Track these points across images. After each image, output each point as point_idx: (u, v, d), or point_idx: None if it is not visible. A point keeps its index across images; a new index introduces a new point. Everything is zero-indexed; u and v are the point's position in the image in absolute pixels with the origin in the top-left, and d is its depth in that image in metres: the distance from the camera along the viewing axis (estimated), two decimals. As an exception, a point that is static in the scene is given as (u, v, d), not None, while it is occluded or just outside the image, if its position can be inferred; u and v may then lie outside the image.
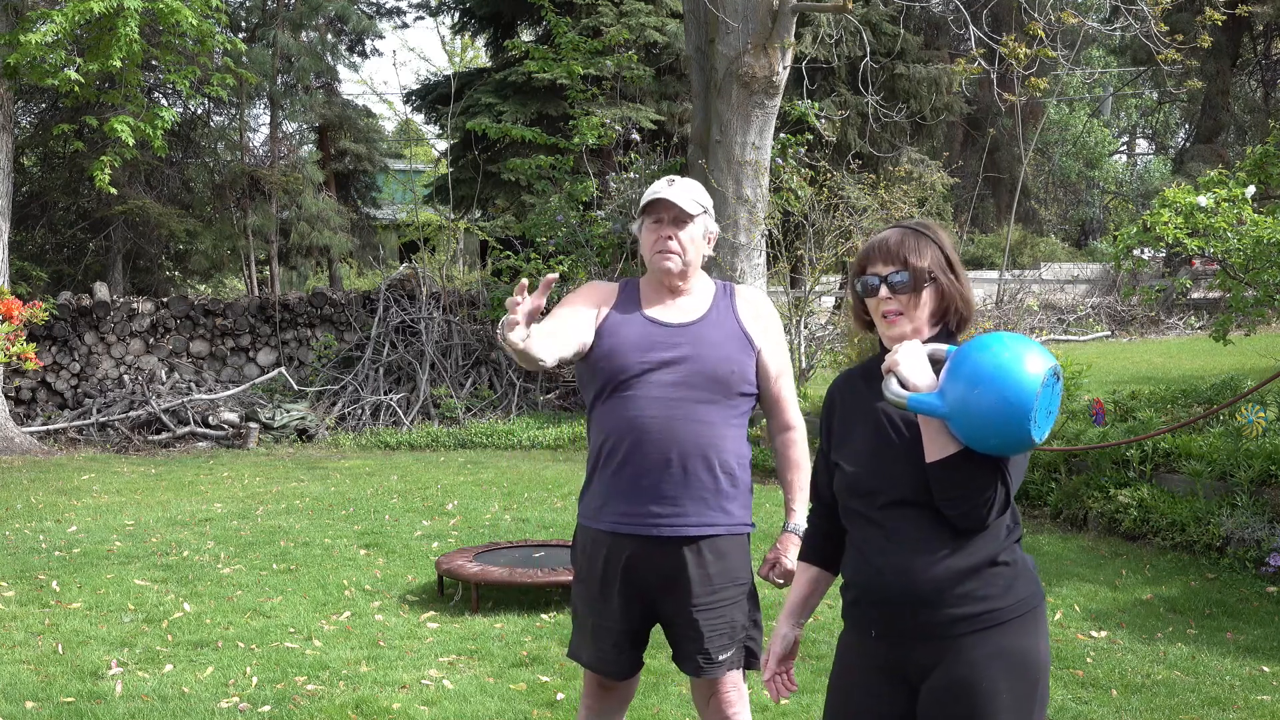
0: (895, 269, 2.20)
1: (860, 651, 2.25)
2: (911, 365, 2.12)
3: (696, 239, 2.87)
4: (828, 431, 2.36)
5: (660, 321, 2.85)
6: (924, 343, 2.19)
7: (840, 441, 2.30)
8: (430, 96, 18.36)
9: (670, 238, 2.84)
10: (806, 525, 2.51)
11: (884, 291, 2.21)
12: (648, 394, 2.76)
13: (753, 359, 2.85)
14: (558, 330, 2.77)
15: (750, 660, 2.87)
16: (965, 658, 2.10)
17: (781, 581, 2.87)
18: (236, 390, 12.61)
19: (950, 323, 2.26)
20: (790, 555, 2.85)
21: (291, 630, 5.16)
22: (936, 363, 2.15)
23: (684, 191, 2.85)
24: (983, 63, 11.08)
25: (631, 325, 2.84)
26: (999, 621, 2.11)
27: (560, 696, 4.26)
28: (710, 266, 9.98)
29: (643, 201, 2.88)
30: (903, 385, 2.11)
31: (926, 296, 2.21)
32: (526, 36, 17.40)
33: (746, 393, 2.85)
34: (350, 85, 61.36)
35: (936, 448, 2.10)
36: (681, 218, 2.85)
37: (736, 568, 2.81)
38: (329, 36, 18.90)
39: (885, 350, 2.24)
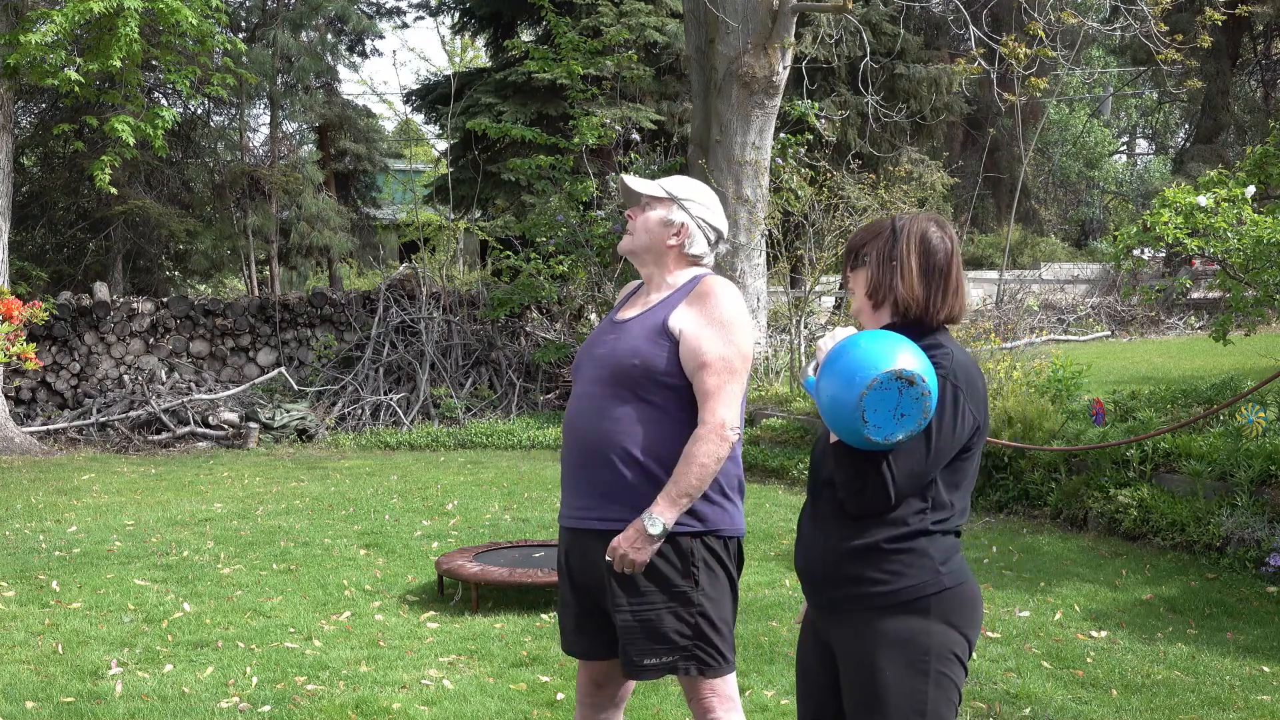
0: (850, 258, 2.43)
1: (808, 623, 2.48)
2: (827, 350, 2.27)
3: (651, 225, 2.88)
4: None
5: (614, 319, 2.92)
6: (885, 329, 2.31)
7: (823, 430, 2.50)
8: (430, 96, 18.37)
9: (631, 219, 2.94)
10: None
11: (848, 271, 2.44)
12: (580, 391, 2.84)
13: (665, 349, 2.71)
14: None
15: (704, 669, 2.71)
16: (857, 634, 2.26)
17: (617, 568, 2.68)
18: (236, 390, 12.61)
19: (903, 308, 2.33)
20: (627, 538, 2.65)
21: (291, 630, 5.16)
22: None
23: (632, 178, 2.94)
24: (983, 63, 11.09)
25: (598, 327, 2.96)
26: (883, 605, 2.23)
27: (560, 696, 4.26)
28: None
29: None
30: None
31: (860, 276, 2.39)
32: (526, 36, 17.40)
33: (665, 384, 2.70)
34: (350, 85, 61.40)
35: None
36: (632, 199, 2.94)
37: (665, 570, 2.67)
38: (329, 36, 18.91)
39: None
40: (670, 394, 2.72)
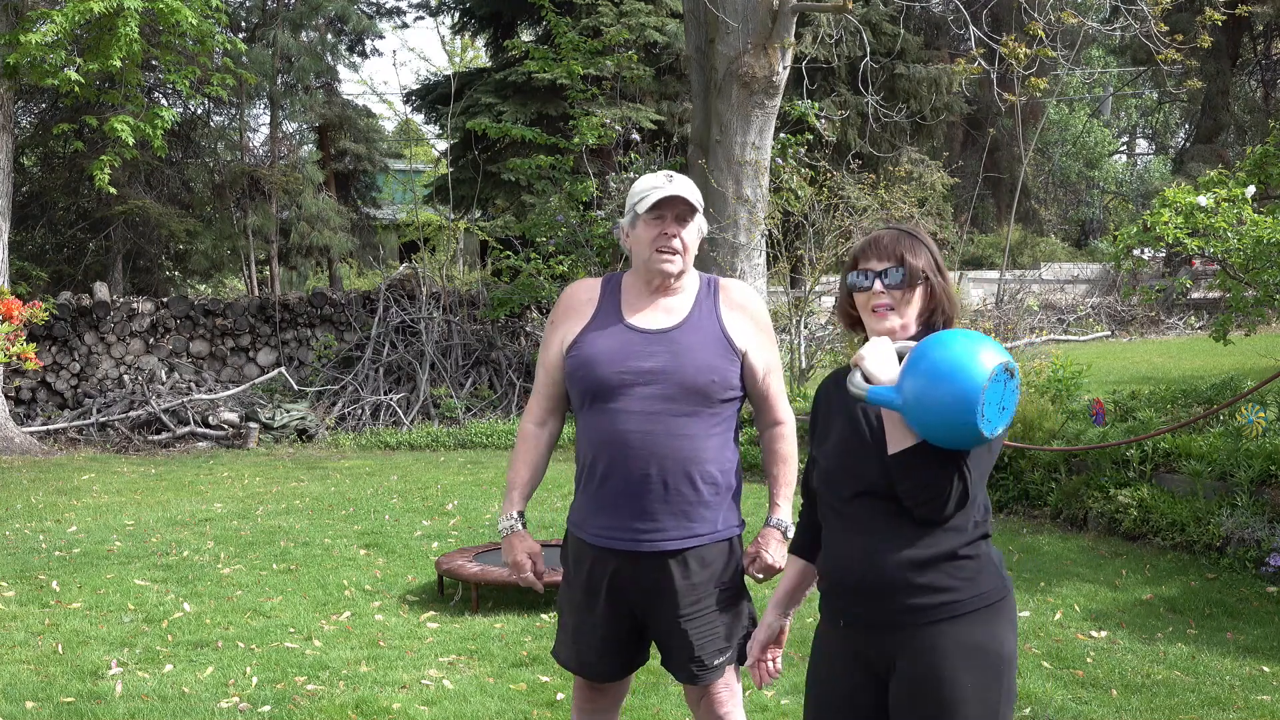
0: (891, 265, 2.27)
1: (833, 641, 2.31)
2: (876, 359, 2.18)
3: (694, 238, 2.79)
4: (813, 428, 2.43)
5: (638, 328, 2.76)
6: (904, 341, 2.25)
7: (821, 437, 2.38)
8: (430, 96, 18.37)
9: (674, 236, 2.74)
10: (798, 519, 2.53)
11: (878, 286, 2.26)
12: (627, 407, 2.69)
13: (737, 363, 2.76)
14: (557, 389, 2.86)
15: (739, 661, 2.82)
16: (926, 648, 2.15)
17: (761, 576, 2.81)
18: (236, 390, 12.61)
19: (937, 323, 2.31)
20: (771, 550, 2.78)
21: (291, 630, 5.16)
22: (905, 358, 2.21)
23: (686, 187, 2.76)
24: (983, 63, 11.08)
25: (609, 334, 2.76)
26: (958, 613, 2.15)
27: (560, 696, 4.26)
28: (710, 267, 9.98)
29: (644, 197, 2.74)
30: (867, 379, 2.17)
31: (918, 295, 2.28)
32: (526, 36, 17.40)
33: (730, 399, 2.76)
34: (350, 85, 61.41)
35: (897, 440, 2.15)
36: (685, 215, 2.75)
37: (722, 572, 2.76)
38: (329, 36, 18.92)
39: None
40: (732, 406, 2.78)
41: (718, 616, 2.75)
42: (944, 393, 2.04)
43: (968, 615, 2.15)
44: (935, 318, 2.31)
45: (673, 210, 2.74)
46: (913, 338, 2.27)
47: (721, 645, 2.76)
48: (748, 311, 2.82)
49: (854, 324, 2.37)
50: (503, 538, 2.95)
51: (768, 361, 2.81)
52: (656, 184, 2.75)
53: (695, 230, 2.79)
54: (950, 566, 2.16)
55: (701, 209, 2.81)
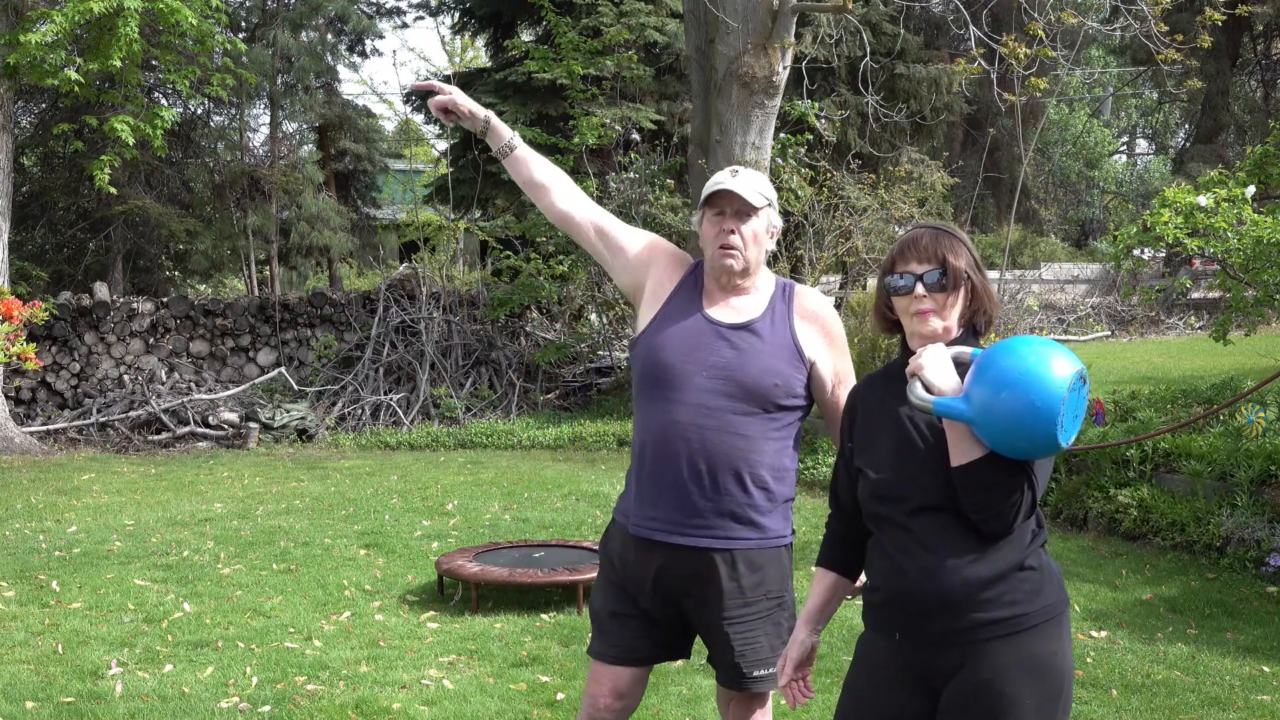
0: (932, 267, 2.20)
1: (882, 653, 2.23)
2: (936, 368, 2.10)
3: (760, 234, 2.71)
4: (849, 437, 2.34)
5: (713, 320, 2.71)
6: (948, 345, 2.18)
7: (863, 447, 2.28)
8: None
9: (733, 232, 2.68)
10: (825, 530, 2.46)
11: (919, 289, 2.19)
12: (686, 399, 2.64)
13: (803, 372, 2.70)
14: (602, 222, 2.86)
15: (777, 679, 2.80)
16: (990, 662, 2.09)
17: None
18: (236, 390, 12.61)
19: (978, 324, 2.26)
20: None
21: (291, 630, 5.16)
22: (960, 365, 2.14)
23: (748, 183, 2.69)
24: (983, 63, 11.07)
25: (685, 319, 2.71)
26: (1024, 627, 2.09)
27: (560, 696, 4.26)
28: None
29: (705, 192, 2.72)
30: (927, 389, 2.10)
31: (960, 296, 2.21)
32: (526, 36, 17.39)
33: (792, 405, 2.70)
34: (350, 85, 61.40)
35: (961, 452, 2.08)
36: (745, 210, 2.69)
37: (771, 580, 2.70)
38: (329, 36, 18.91)
39: (908, 352, 2.23)
40: (794, 414, 2.73)
41: (762, 625, 2.70)
42: (1021, 404, 1.97)
43: (1031, 629, 2.10)
44: (977, 319, 2.26)
45: (731, 205, 2.69)
46: (955, 340, 2.21)
47: (765, 657, 2.70)
48: (820, 321, 2.76)
49: (891, 327, 2.30)
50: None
51: (838, 371, 2.75)
52: (720, 179, 2.71)
53: (761, 226, 2.72)
54: (1015, 579, 2.10)
55: (767, 205, 2.72)
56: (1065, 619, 2.16)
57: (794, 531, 2.79)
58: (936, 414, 2.07)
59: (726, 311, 2.72)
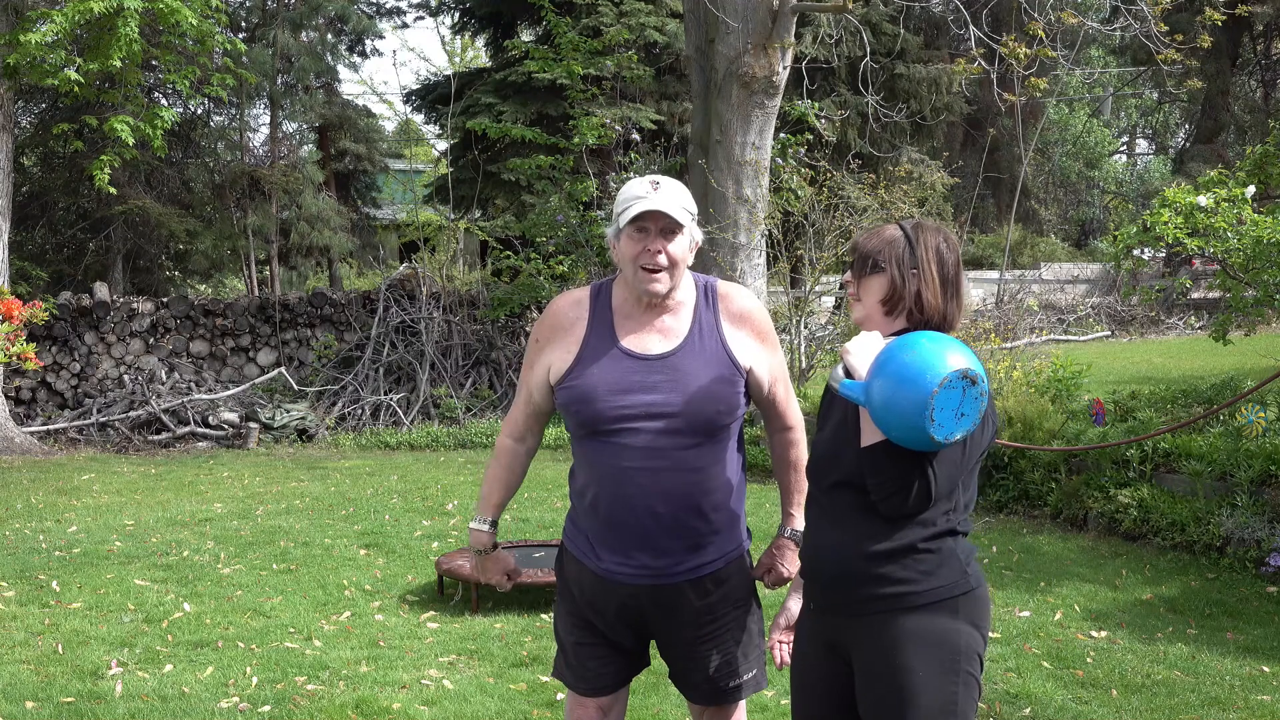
0: (852, 255, 2.36)
1: (808, 627, 2.42)
2: (860, 354, 2.23)
3: (684, 252, 2.55)
4: (819, 418, 2.48)
5: (636, 354, 2.55)
6: (890, 336, 2.28)
7: (820, 426, 2.43)
8: (430, 96, 18.35)
9: (659, 252, 2.51)
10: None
11: (848, 274, 2.37)
12: (630, 443, 2.51)
13: (741, 380, 2.59)
14: (536, 402, 2.69)
15: (760, 683, 2.76)
16: (883, 635, 2.22)
17: (772, 587, 2.77)
18: (236, 390, 12.61)
19: (931, 320, 2.29)
20: (786, 561, 2.72)
21: (291, 630, 5.16)
22: None
23: (673, 198, 2.50)
24: (983, 63, 11.07)
25: (604, 364, 2.55)
26: (913, 605, 2.21)
27: (560, 696, 4.26)
28: (710, 267, 9.98)
29: (626, 207, 2.51)
30: (849, 372, 2.22)
31: (873, 284, 2.31)
32: (526, 36, 17.40)
33: (737, 419, 2.63)
34: (350, 85, 61.38)
35: (869, 434, 2.22)
36: (671, 228, 2.51)
37: (735, 589, 2.67)
38: (329, 36, 18.92)
39: None
40: (737, 425, 2.65)
41: (732, 635, 2.67)
42: (901, 395, 2.08)
43: (924, 608, 2.21)
44: (899, 304, 2.30)
45: (657, 224, 2.51)
46: (898, 334, 2.28)
47: (738, 665, 2.68)
48: (750, 322, 2.64)
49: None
50: (475, 552, 2.82)
51: (773, 370, 2.67)
52: (640, 193, 2.52)
53: (686, 242, 2.56)
54: (908, 559, 2.21)
55: (693, 218, 2.56)
56: (967, 602, 2.25)
57: (749, 532, 2.75)
58: (842, 395, 2.20)
59: (651, 339, 2.57)
